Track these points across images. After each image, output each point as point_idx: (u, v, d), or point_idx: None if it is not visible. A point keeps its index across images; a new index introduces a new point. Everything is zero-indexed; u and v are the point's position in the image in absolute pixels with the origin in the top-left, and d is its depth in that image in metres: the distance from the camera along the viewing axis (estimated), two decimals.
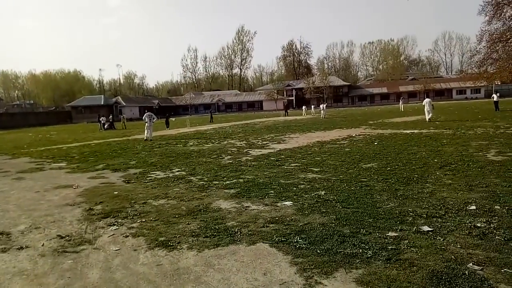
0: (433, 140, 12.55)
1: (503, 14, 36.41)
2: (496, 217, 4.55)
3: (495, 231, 4.12)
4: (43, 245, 4.61)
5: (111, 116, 39.41)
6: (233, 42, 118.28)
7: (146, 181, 8.37)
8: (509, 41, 36.39)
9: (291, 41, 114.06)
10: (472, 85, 63.93)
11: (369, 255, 3.70)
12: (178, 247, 4.27)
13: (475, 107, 36.62)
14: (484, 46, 38.39)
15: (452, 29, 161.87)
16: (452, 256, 3.56)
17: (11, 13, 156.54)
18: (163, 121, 34.87)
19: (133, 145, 17.51)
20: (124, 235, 4.82)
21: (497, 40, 36.69)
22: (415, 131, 16.36)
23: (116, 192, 7.29)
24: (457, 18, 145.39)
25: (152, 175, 9.11)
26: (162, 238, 4.56)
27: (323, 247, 3.96)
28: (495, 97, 29.42)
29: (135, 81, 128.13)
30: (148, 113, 20.15)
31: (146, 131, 19.47)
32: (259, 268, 3.61)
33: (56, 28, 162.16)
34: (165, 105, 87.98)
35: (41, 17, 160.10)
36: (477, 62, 40.93)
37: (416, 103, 65.69)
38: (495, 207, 4.96)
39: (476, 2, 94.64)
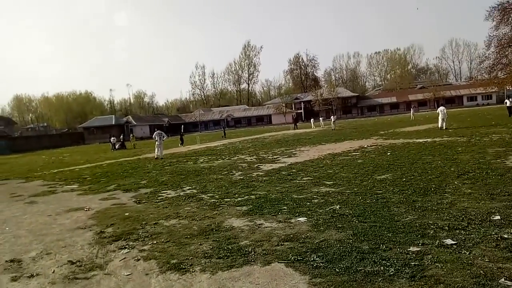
0: (447, 149, 12.26)
1: (510, 18, 36.13)
2: None
3: None
4: (53, 272, 4.51)
5: (122, 136, 39.77)
6: (240, 57, 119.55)
7: (157, 200, 8.28)
8: None
9: (298, 54, 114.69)
10: (483, 91, 63.14)
11: (391, 273, 3.50)
12: (191, 269, 4.13)
13: (488, 113, 36.00)
14: (493, 52, 38.03)
15: (459, 36, 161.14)
16: (481, 271, 3.35)
17: (24, 36, 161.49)
18: (173, 139, 35.07)
19: (144, 164, 17.53)
20: (136, 258, 4.70)
21: (506, 45, 36.33)
22: (428, 140, 16.06)
23: (127, 213, 7.20)
24: (463, 25, 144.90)
25: (163, 194, 9.02)
26: (174, 261, 4.43)
27: (341, 265, 3.78)
28: (508, 102, 28.87)
29: (145, 100, 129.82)
30: (158, 131, 20.23)
31: (156, 149, 19.50)
32: None
33: (68, 51, 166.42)
34: (174, 122, 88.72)
35: (54, 41, 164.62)
36: (486, 68, 40.52)
37: (427, 111, 65.01)
38: None
39: (481, 8, 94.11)
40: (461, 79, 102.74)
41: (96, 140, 67.61)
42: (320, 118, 50.69)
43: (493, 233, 4.26)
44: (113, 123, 72.13)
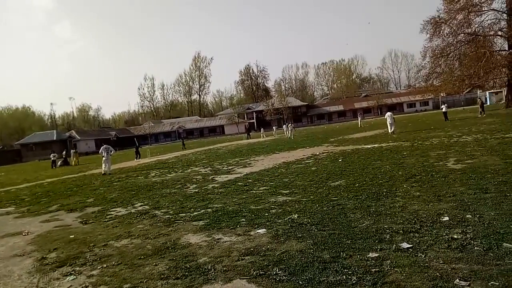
0: (394, 153, 12.86)
1: (441, 31, 39.34)
2: (470, 227, 4.54)
3: (472, 241, 4.08)
4: None
5: (64, 152, 37.37)
6: (190, 68, 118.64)
7: (106, 220, 7.75)
8: (449, 56, 39.22)
9: (248, 65, 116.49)
10: (421, 98, 68.05)
11: (354, 281, 3.49)
12: None
13: (426, 119, 38.62)
14: (428, 62, 41.14)
15: (397, 47, 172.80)
16: (437, 273, 3.43)
17: None
18: (121, 153, 33.46)
19: (90, 180, 16.51)
20: (83, 285, 4.29)
21: (439, 55, 39.42)
22: (375, 145, 16.78)
23: (73, 236, 6.64)
24: (401, 37, 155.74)
25: (112, 212, 8.48)
26: (127, 285, 4.09)
27: (304, 277, 3.70)
28: (444, 108, 31.19)
29: (89, 113, 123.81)
30: (104, 145, 19.20)
31: (104, 164, 18.47)
32: None
33: (2, 64, 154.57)
34: (123, 136, 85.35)
35: None
36: (423, 76, 43.71)
37: (371, 118, 68.46)
38: (467, 216, 4.98)
39: (417, 21, 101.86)
40: (400, 87, 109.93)
41: (36, 157, 62.97)
42: (274, 127, 51.37)
43: (444, 234, 4.43)
44: (55, 138, 67.75)
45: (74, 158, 34.56)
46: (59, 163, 33.83)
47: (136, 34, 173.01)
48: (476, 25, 38.37)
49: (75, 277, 4.60)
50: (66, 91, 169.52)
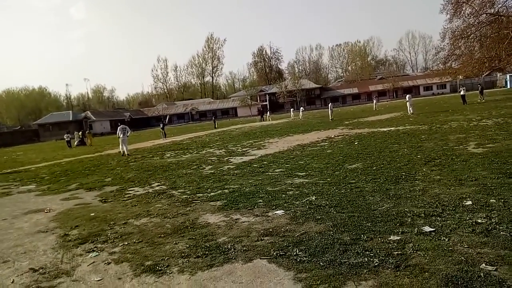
0: (411, 137, 12.64)
1: (462, 12, 37.91)
2: (495, 211, 4.44)
3: (498, 226, 3.99)
4: (13, 281, 4.10)
5: (81, 132, 37.94)
6: (203, 50, 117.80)
7: (125, 198, 7.87)
8: (470, 38, 37.90)
9: (261, 47, 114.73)
10: (438, 81, 66.46)
11: (376, 264, 3.46)
12: (168, 271, 3.89)
13: (444, 102, 37.78)
14: (447, 43, 39.85)
15: (414, 28, 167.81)
16: (462, 258, 3.38)
17: None
18: (135, 134, 33.79)
19: (107, 160, 16.77)
20: (106, 262, 4.38)
21: (459, 37, 38.13)
22: (391, 128, 16.52)
23: (93, 214, 6.77)
24: (419, 18, 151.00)
25: (130, 191, 8.61)
26: (149, 262, 4.16)
27: (325, 259, 3.70)
28: (462, 91, 30.41)
29: (104, 94, 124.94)
30: (121, 126, 19.21)
31: (121, 145, 18.57)
32: None
33: (18, 44, 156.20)
34: (137, 117, 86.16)
35: (7, 34, 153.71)
36: (442, 58, 42.43)
37: (387, 101, 67.30)
38: (491, 200, 4.87)
39: (436, 1, 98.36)
40: (417, 70, 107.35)
41: (53, 137, 64.22)
42: (291, 109, 50.92)
43: (467, 218, 4.35)
44: (71, 119, 68.88)
45: (89, 139, 34.85)
46: (75, 143, 34.40)
47: (149, 15, 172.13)
48: (500, 5, 36.84)
49: (97, 253, 4.70)
50: (81, 72, 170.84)
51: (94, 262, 4.43)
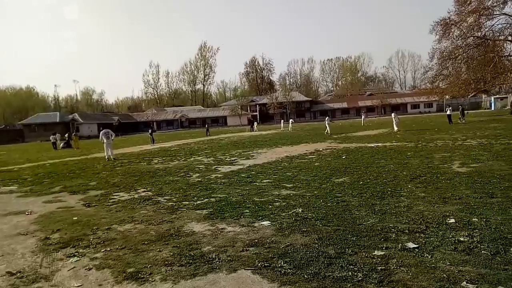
0: (398, 153, 12.82)
1: (451, 33, 39.04)
2: (477, 230, 4.52)
3: (479, 245, 4.06)
4: None
5: (67, 134, 37.37)
6: (195, 58, 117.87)
7: (109, 203, 7.76)
8: (457, 59, 38.97)
9: (254, 57, 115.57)
10: (426, 100, 67.83)
11: (359, 278, 3.48)
12: (150, 279, 3.83)
13: (430, 120, 38.50)
14: (435, 63, 40.91)
15: (404, 47, 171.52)
16: (444, 275, 3.42)
17: None
18: (123, 139, 33.44)
19: (93, 164, 16.53)
20: (87, 267, 4.29)
21: (447, 57, 39.19)
22: (379, 144, 16.74)
23: (76, 218, 6.65)
24: (409, 37, 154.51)
25: (115, 196, 8.49)
26: (131, 269, 4.09)
27: (310, 271, 3.70)
28: (448, 111, 31.07)
29: (93, 97, 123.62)
30: (104, 130, 18.69)
31: (106, 149, 18.27)
32: None
33: (6, 42, 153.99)
34: (125, 121, 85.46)
35: None
36: (429, 78, 43.45)
37: (375, 117, 68.26)
38: (473, 219, 4.96)
39: (425, 21, 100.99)
40: (405, 88, 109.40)
41: (38, 138, 63.08)
42: (282, 121, 51.18)
43: (450, 236, 4.41)
44: (58, 120, 67.88)
45: (75, 142, 34.08)
46: (61, 145, 33.85)
47: (143, 20, 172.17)
48: (487, 29, 38.11)
49: (78, 258, 4.60)
50: (71, 73, 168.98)
51: (74, 267, 4.34)
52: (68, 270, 4.25)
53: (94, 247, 4.98)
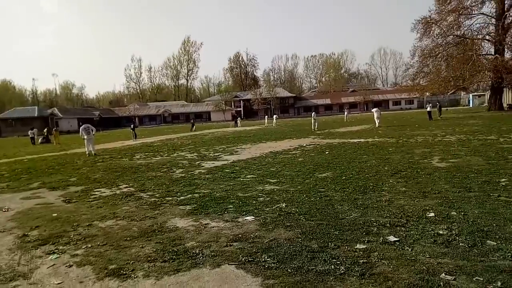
0: (379, 149, 13.03)
1: (431, 32, 39.80)
2: (456, 223, 4.64)
3: (457, 238, 4.17)
4: None
5: (46, 129, 36.41)
6: (179, 52, 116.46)
7: (90, 199, 7.61)
8: (437, 57, 39.79)
9: (238, 53, 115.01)
10: (407, 97, 68.99)
11: (342, 271, 3.52)
12: (133, 275, 3.79)
13: (411, 117, 39.23)
14: (416, 61, 41.67)
15: (386, 44, 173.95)
16: (424, 267, 3.50)
17: None
18: (104, 134, 32.86)
19: (73, 159, 16.18)
20: (67, 264, 4.21)
21: (427, 55, 39.96)
22: (361, 140, 16.97)
23: (55, 214, 6.50)
24: (391, 35, 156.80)
25: (96, 192, 8.34)
26: (113, 266, 4.04)
27: (293, 265, 3.72)
28: (428, 107, 31.73)
29: (73, 91, 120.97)
30: (84, 126, 18.20)
31: (86, 145, 17.86)
32: None
33: None
34: (107, 116, 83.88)
35: None
36: (411, 75, 44.25)
37: (358, 113, 69.11)
38: (452, 213, 5.09)
39: (407, 20, 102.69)
40: (387, 85, 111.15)
41: (15, 133, 61.26)
42: (266, 117, 51.22)
43: (430, 229, 4.52)
44: (36, 115, 65.89)
45: (55, 138, 33.05)
46: (39, 140, 32.98)
47: (124, 13, 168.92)
48: (465, 28, 39.05)
49: (58, 256, 4.51)
50: (50, 67, 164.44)
51: (54, 264, 4.25)
52: (48, 268, 4.16)
53: (75, 243, 4.89)
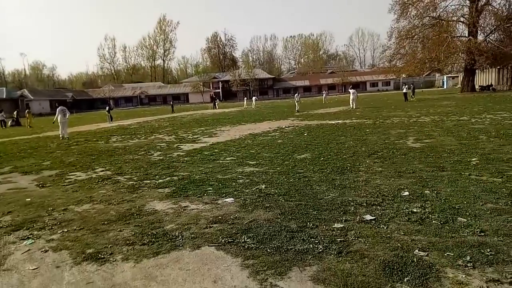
0: (357, 130, 13.23)
1: (408, 13, 40.14)
2: (429, 202, 4.80)
3: (430, 215, 4.32)
4: None
5: (16, 112, 35.01)
6: (154, 32, 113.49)
7: (65, 184, 7.43)
8: (414, 38, 40.31)
9: (216, 33, 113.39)
10: (383, 78, 70.07)
11: (320, 250, 3.60)
12: (111, 259, 3.75)
13: (387, 98, 39.93)
14: (393, 42, 42.12)
15: (364, 26, 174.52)
16: (398, 244, 3.62)
17: None
18: (79, 116, 31.93)
19: (46, 143, 15.68)
20: (43, 249, 4.12)
21: (404, 37, 40.40)
22: (339, 121, 17.17)
23: (29, 199, 6.32)
24: (369, 16, 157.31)
25: (71, 176, 8.14)
26: (91, 250, 3.98)
27: (272, 245, 3.78)
28: (404, 89, 32.33)
29: (44, 72, 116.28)
30: (60, 107, 17.76)
31: (62, 127, 17.30)
32: (208, 276, 3.29)
33: None
34: (80, 98, 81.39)
35: None
36: (387, 56, 44.75)
37: (336, 95, 69.73)
38: (425, 191, 5.26)
39: (386, 1, 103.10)
40: (365, 66, 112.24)
41: None
42: (245, 98, 50.93)
43: (404, 208, 4.66)
44: (4, 96, 63.08)
45: (28, 121, 31.65)
46: (9, 123, 31.74)
47: None
48: (441, 10, 39.58)
49: (33, 241, 4.40)
50: (17, 46, 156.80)
51: (29, 250, 4.15)
52: (22, 253, 4.06)
53: (50, 228, 4.78)
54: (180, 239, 4.11)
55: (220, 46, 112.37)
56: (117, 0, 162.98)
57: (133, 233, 4.39)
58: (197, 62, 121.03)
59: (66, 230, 4.68)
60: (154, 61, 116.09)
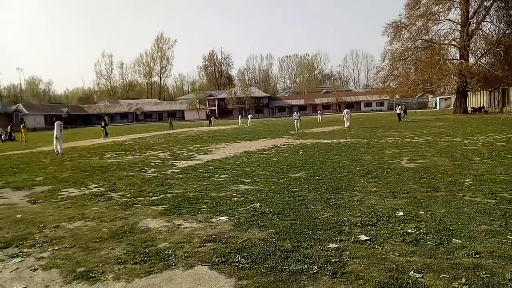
0: (351, 149, 13.30)
1: (401, 35, 41.09)
2: (423, 222, 4.80)
3: (425, 236, 4.31)
4: None
5: (10, 126, 34.79)
6: (152, 49, 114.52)
7: (57, 200, 7.33)
8: (407, 60, 41.13)
9: (212, 51, 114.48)
10: (377, 99, 70.96)
11: (315, 271, 3.56)
12: (102, 278, 3.67)
13: (381, 118, 40.34)
14: (387, 64, 42.93)
15: (359, 47, 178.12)
16: (393, 265, 3.59)
17: None
18: (74, 131, 31.77)
19: (39, 158, 15.54)
20: (32, 268, 4.03)
21: (397, 58, 41.21)
22: (334, 140, 17.27)
23: (20, 215, 6.21)
24: (364, 38, 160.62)
25: (64, 192, 8.04)
26: (81, 269, 3.90)
27: (267, 265, 3.73)
28: (398, 109, 32.72)
29: (39, 87, 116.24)
30: (58, 122, 17.66)
31: (56, 143, 17.07)
32: None
33: None
34: (76, 113, 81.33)
35: None
36: (381, 77, 45.50)
37: (331, 114, 70.34)
38: (420, 212, 5.26)
39: (381, 23, 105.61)
40: (359, 86, 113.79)
41: None
42: (239, 116, 51.20)
43: (399, 228, 4.65)
44: None
45: (23, 135, 30.48)
46: (2, 137, 31.49)
47: (94, 6, 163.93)
48: (433, 33, 40.62)
49: (22, 259, 4.30)
50: (14, 61, 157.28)
51: (18, 268, 4.05)
52: (11, 272, 3.97)
53: (41, 246, 4.69)
54: (173, 258, 4.04)
55: (217, 64, 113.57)
56: (115, 17, 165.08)
57: (125, 251, 4.32)
58: (194, 79, 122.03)
59: (57, 247, 4.59)
60: (150, 78, 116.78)
